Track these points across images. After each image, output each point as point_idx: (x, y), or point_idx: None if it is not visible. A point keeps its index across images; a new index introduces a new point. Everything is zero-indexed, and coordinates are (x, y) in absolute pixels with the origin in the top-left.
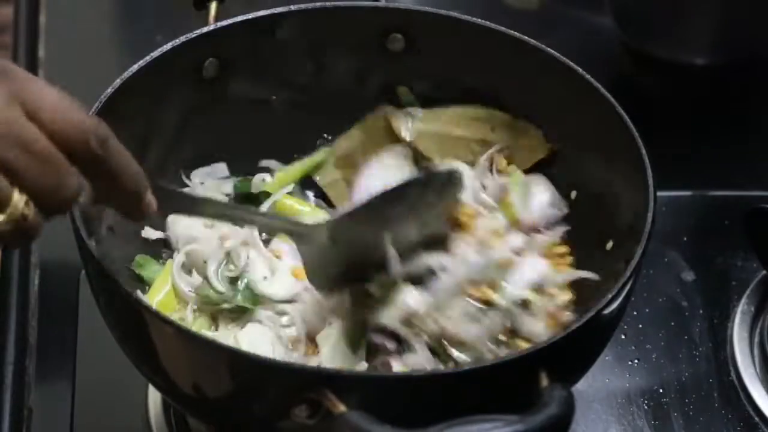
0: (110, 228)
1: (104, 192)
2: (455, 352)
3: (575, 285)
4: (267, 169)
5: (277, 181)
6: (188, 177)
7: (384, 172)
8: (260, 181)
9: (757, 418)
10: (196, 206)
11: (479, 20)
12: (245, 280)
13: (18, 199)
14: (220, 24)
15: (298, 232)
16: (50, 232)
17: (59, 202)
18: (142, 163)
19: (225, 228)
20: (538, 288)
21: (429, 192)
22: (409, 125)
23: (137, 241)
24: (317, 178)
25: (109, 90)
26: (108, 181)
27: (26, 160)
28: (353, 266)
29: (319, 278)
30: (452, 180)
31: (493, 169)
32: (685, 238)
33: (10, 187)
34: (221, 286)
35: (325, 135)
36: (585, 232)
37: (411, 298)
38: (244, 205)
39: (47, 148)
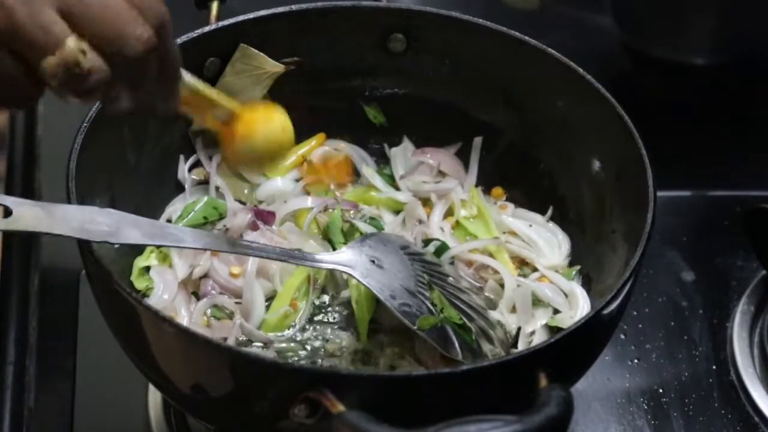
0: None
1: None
2: None
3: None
4: None
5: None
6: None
7: None
8: None
9: (757, 418)
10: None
11: (479, 20)
12: None
13: (74, 44)
14: (221, 23)
15: None
16: None
17: (120, 46)
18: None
19: None
20: None
21: None
22: None
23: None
24: None
25: None
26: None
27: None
28: None
29: None
30: None
31: None
32: (685, 238)
33: (68, 31)
34: None
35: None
36: (585, 232)
37: None
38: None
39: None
